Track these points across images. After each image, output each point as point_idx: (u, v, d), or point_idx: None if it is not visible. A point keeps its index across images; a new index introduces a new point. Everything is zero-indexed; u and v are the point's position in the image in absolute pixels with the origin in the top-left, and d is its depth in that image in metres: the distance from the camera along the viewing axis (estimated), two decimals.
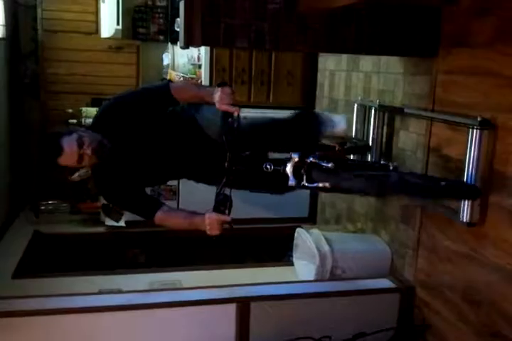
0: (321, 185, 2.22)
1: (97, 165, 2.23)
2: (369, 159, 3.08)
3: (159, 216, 2.25)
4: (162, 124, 2.29)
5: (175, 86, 2.22)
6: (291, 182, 2.21)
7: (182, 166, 2.38)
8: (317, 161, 2.17)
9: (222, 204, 2.09)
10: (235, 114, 2.07)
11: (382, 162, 2.42)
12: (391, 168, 2.33)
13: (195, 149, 2.33)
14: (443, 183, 2.26)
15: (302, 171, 2.19)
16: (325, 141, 2.49)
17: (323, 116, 2.72)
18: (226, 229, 2.12)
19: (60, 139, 2.09)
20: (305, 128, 2.50)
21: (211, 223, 2.09)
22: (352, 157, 3.04)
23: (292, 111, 2.57)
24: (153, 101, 2.22)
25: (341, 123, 2.66)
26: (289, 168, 2.20)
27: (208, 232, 2.12)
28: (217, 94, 2.05)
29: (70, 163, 2.12)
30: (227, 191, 2.11)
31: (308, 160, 2.18)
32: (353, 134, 3.23)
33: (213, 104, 2.07)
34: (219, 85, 2.09)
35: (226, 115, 2.09)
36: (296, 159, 2.19)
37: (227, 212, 2.09)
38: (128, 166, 2.26)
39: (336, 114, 2.90)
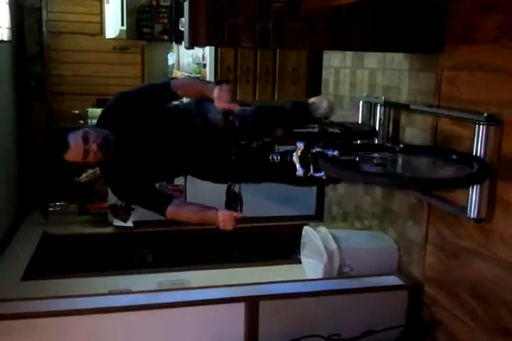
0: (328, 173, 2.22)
1: (105, 161, 2.25)
2: None
3: (171, 210, 2.26)
4: (167, 120, 2.32)
5: (176, 82, 2.29)
6: (299, 172, 2.21)
7: (188, 161, 2.39)
8: (323, 150, 2.17)
9: (233, 201, 2.12)
10: (235, 111, 2.09)
11: (388, 144, 2.40)
12: (397, 149, 2.31)
13: (201, 144, 2.34)
14: (454, 157, 2.25)
15: (308, 161, 2.19)
16: (332, 129, 2.47)
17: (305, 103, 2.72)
18: (237, 222, 2.15)
19: (66, 135, 2.12)
20: (299, 116, 2.53)
21: (225, 220, 2.14)
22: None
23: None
24: (155, 96, 2.27)
25: (323, 103, 2.65)
26: (295, 158, 2.20)
27: (222, 228, 2.17)
28: (216, 92, 2.07)
29: (76, 158, 2.15)
30: (236, 189, 2.13)
31: (314, 150, 2.18)
32: (359, 121, 3.21)
33: (213, 100, 2.10)
34: (217, 83, 2.12)
35: (226, 112, 2.11)
36: (302, 148, 2.19)
37: (238, 208, 2.13)
38: (135, 161, 2.28)
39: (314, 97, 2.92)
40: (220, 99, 2.07)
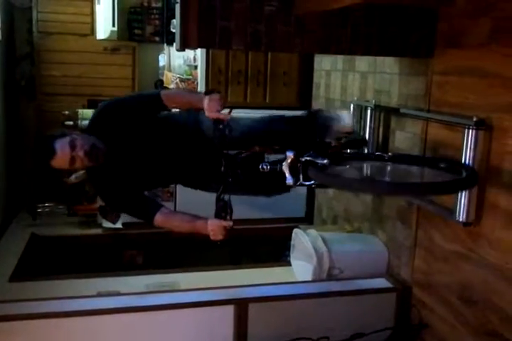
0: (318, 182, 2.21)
1: (93, 168, 2.23)
2: None
3: (159, 218, 2.26)
4: (156, 128, 2.31)
5: (166, 93, 2.26)
6: (289, 180, 2.20)
7: (178, 169, 2.39)
8: (312, 159, 2.17)
9: (223, 210, 2.10)
10: (225, 121, 2.07)
11: (377, 153, 2.40)
12: (386, 158, 2.32)
13: (191, 152, 2.34)
14: (442, 165, 2.26)
15: (298, 170, 2.19)
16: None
17: (329, 114, 2.72)
18: (228, 231, 2.14)
19: (52, 142, 2.12)
20: (314, 127, 2.55)
21: (214, 229, 2.12)
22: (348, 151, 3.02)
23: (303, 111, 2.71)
24: (144, 106, 2.26)
25: (346, 119, 2.68)
26: (285, 167, 2.20)
27: (212, 238, 2.15)
28: (206, 102, 2.06)
29: (63, 165, 2.15)
30: (226, 197, 2.11)
31: (303, 159, 2.19)
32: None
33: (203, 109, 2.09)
34: (206, 93, 2.11)
35: (217, 122, 2.10)
36: (292, 157, 2.19)
37: (228, 217, 2.11)
38: (124, 169, 2.27)
39: (340, 110, 2.93)
40: (209, 108, 2.06)
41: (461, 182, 2.14)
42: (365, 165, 2.37)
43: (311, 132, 2.50)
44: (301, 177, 2.19)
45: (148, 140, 2.28)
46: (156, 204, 2.33)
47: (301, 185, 2.23)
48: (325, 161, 2.13)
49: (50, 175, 3.95)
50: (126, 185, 2.27)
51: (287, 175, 2.19)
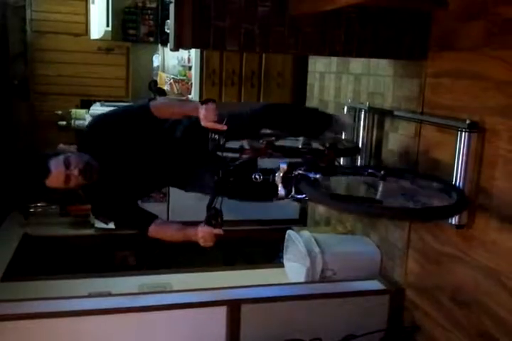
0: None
1: (88, 185, 2.21)
2: (359, 161, 3.09)
3: (153, 229, 2.27)
4: (149, 139, 2.29)
5: (155, 105, 2.21)
6: (281, 192, 2.20)
7: (172, 178, 2.39)
8: (305, 172, 2.16)
9: (213, 218, 2.10)
10: (222, 130, 2.05)
11: (370, 170, 2.39)
12: (379, 176, 2.32)
13: (184, 160, 2.33)
14: (435, 184, 2.26)
15: (291, 181, 2.18)
16: (315, 144, 2.49)
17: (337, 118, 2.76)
18: (218, 238, 2.13)
19: (47, 161, 2.09)
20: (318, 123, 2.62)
21: (204, 236, 2.12)
22: (342, 159, 3.04)
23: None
24: (134, 122, 2.23)
25: (347, 121, 2.76)
26: (278, 178, 2.19)
27: (202, 244, 2.15)
28: (202, 112, 2.03)
29: (57, 184, 2.12)
30: (218, 205, 2.10)
31: (296, 172, 2.17)
32: (343, 136, 3.24)
33: (198, 118, 2.07)
34: (202, 103, 2.07)
35: (211, 131, 2.07)
36: (285, 169, 2.18)
37: (219, 225, 2.10)
38: (119, 183, 2.26)
39: (343, 113, 3.04)
40: (206, 118, 2.03)
41: (452, 208, 2.15)
42: (356, 182, 2.37)
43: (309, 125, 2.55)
44: (293, 189, 2.18)
45: (140, 149, 2.27)
46: (150, 215, 2.33)
47: (293, 197, 2.21)
48: (317, 176, 2.12)
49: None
50: (121, 198, 2.27)
51: (279, 186, 2.18)
